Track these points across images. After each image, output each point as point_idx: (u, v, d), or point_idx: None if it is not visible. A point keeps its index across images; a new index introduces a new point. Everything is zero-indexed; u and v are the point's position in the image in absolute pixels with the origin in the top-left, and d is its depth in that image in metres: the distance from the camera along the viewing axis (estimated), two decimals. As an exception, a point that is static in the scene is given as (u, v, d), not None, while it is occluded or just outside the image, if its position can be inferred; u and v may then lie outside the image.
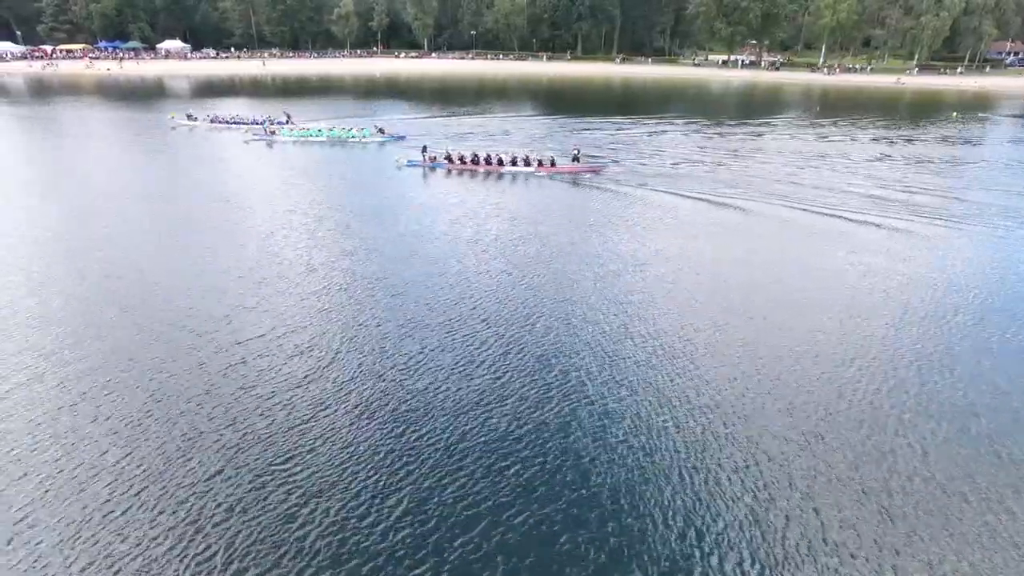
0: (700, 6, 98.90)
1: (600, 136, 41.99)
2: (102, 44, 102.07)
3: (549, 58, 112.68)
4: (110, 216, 22.98)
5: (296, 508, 8.98)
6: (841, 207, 24.73)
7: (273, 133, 39.85)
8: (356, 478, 9.57)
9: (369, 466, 9.83)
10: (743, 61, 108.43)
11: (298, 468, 9.77)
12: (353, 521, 8.77)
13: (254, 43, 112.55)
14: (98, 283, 16.84)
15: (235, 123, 43.00)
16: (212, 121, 43.35)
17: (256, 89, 74.50)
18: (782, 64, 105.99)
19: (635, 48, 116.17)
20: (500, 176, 30.42)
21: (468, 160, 31.61)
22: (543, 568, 8.15)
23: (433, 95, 69.75)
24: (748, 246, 20.36)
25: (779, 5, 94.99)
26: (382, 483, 9.48)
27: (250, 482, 9.47)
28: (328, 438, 10.47)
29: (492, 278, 17.45)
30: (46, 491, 9.26)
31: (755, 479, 9.72)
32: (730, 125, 48.79)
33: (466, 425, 10.88)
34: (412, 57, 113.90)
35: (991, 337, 14.30)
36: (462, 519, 8.84)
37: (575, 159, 31.56)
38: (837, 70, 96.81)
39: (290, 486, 9.39)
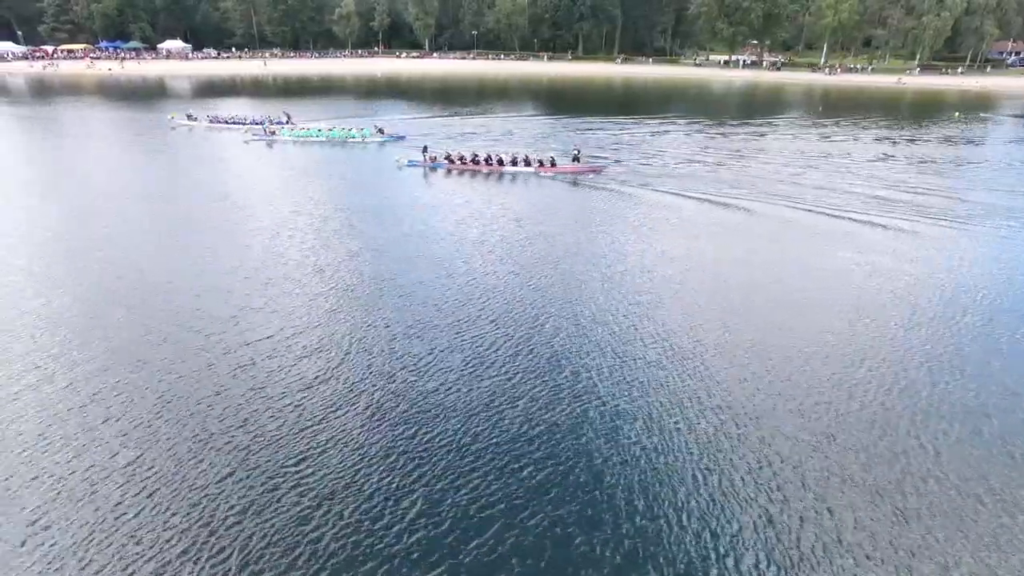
0: (702, 6, 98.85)
1: (602, 136, 41.95)
2: (103, 44, 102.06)
3: (550, 58, 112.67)
4: (110, 216, 22.97)
5: (310, 510, 8.96)
6: (846, 207, 24.71)
7: (273, 133, 39.83)
8: (369, 480, 9.55)
9: (382, 468, 9.81)
10: (744, 61, 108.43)
11: (310, 470, 9.75)
12: (367, 523, 8.75)
13: (255, 43, 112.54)
14: (103, 284, 16.81)
15: (234, 123, 43.01)
16: (212, 121, 43.37)
17: (257, 89, 74.49)
18: (783, 64, 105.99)
19: (636, 48, 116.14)
20: (500, 176, 30.41)
21: (468, 160, 31.59)
22: (558, 570, 8.13)
23: (434, 95, 69.73)
24: (753, 247, 20.35)
25: (781, 5, 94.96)
26: (395, 485, 9.46)
27: (263, 484, 9.45)
28: (340, 440, 10.45)
29: (499, 279, 17.42)
30: (58, 493, 9.24)
31: (769, 480, 9.70)
32: (732, 125, 48.77)
33: (478, 426, 10.85)
34: (413, 57, 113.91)
35: (1000, 338, 14.28)
36: (476, 521, 8.82)
37: (575, 159, 31.53)
38: (838, 70, 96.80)
39: (303, 488, 9.37)
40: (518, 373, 12.54)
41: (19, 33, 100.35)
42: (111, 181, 28.78)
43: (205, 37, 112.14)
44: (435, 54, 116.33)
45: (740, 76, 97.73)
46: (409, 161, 32.38)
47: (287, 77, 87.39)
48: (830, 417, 11.26)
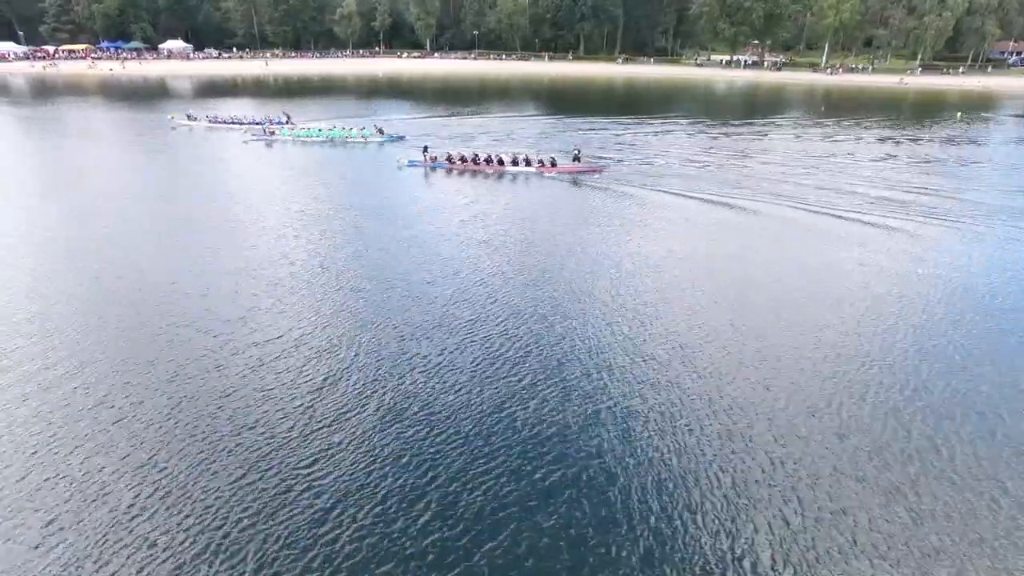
0: (703, 6, 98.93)
1: (603, 136, 41.95)
2: (104, 44, 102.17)
3: (551, 58, 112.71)
4: (111, 216, 22.96)
5: (323, 512, 8.93)
6: (850, 208, 24.69)
7: (272, 133, 39.85)
8: (383, 481, 9.53)
9: (395, 469, 9.79)
10: (746, 61, 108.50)
11: (322, 472, 9.72)
12: (381, 525, 8.73)
13: (256, 43, 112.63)
14: (107, 284, 16.79)
15: (234, 123, 43.10)
16: (211, 121, 43.45)
17: (259, 89, 74.50)
18: (784, 64, 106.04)
19: (637, 48, 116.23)
20: (501, 176, 30.40)
21: (469, 160, 31.58)
22: (574, 571, 8.11)
23: (435, 95, 69.75)
24: (759, 247, 20.33)
25: (782, 5, 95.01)
26: (409, 486, 9.44)
27: (275, 486, 9.43)
28: (351, 441, 10.43)
29: (505, 279, 17.41)
30: (72, 495, 9.22)
31: (782, 480, 9.68)
32: (734, 125, 48.77)
33: (490, 427, 10.83)
34: (415, 57, 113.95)
35: (1010, 339, 14.27)
36: (490, 523, 8.80)
37: (576, 159, 31.51)
38: (840, 70, 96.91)
39: (317, 489, 9.35)
40: (528, 373, 12.52)
41: (20, 33, 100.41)
42: (111, 181, 28.77)
43: (206, 37, 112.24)
44: (436, 54, 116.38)
45: (741, 76, 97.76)
46: (410, 161, 32.36)
47: (288, 77, 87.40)
48: (843, 417, 11.24)
